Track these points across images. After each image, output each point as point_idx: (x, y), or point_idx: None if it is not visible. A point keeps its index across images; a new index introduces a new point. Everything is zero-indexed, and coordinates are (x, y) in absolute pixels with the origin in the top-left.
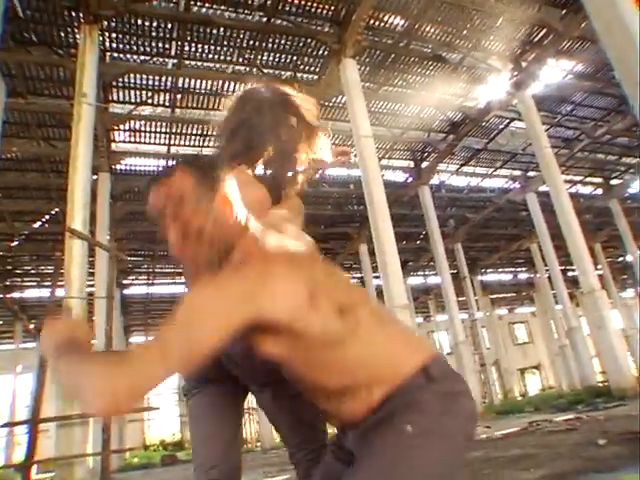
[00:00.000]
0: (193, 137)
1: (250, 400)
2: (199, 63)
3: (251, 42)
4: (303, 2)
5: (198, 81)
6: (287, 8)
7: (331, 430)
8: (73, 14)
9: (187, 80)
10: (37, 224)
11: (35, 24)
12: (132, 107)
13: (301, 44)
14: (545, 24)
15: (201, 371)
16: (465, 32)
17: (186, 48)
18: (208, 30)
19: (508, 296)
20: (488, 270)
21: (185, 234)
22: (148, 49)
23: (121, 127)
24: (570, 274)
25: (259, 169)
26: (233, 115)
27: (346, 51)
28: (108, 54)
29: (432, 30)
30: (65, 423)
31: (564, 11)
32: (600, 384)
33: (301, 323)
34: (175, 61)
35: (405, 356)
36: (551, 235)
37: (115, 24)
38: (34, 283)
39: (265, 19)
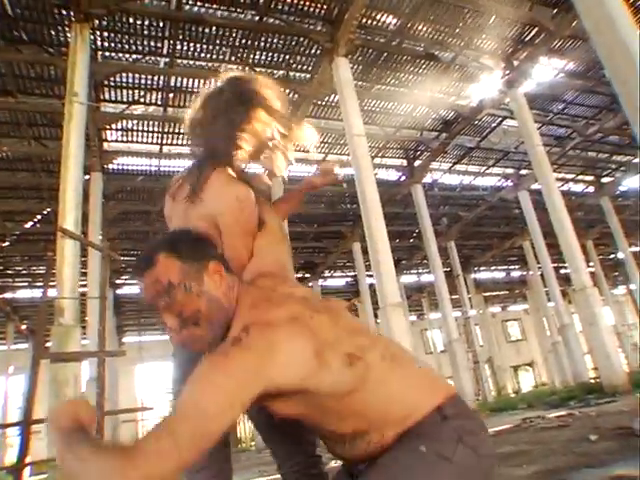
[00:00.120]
0: (185, 136)
1: None
2: (191, 62)
3: (243, 41)
4: (295, 1)
5: (190, 80)
6: (279, 7)
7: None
8: (64, 12)
9: (179, 79)
10: (29, 224)
11: (25, 22)
12: (124, 106)
13: (294, 43)
14: (537, 23)
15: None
16: (457, 31)
17: (178, 47)
18: (200, 29)
19: (501, 294)
20: (481, 268)
21: (182, 321)
22: (140, 48)
23: (113, 126)
24: (562, 271)
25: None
26: (195, 116)
27: (339, 50)
28: (100, 53)
29: (424, 29)
30: None
31: (555, 10)
32: (592, 380)
33: (310, 384)
34: (167, 60)
35: (419, 398)
36: (543, 233)
37: (106, 23)
38: (26, 284)
39: (257, 18)
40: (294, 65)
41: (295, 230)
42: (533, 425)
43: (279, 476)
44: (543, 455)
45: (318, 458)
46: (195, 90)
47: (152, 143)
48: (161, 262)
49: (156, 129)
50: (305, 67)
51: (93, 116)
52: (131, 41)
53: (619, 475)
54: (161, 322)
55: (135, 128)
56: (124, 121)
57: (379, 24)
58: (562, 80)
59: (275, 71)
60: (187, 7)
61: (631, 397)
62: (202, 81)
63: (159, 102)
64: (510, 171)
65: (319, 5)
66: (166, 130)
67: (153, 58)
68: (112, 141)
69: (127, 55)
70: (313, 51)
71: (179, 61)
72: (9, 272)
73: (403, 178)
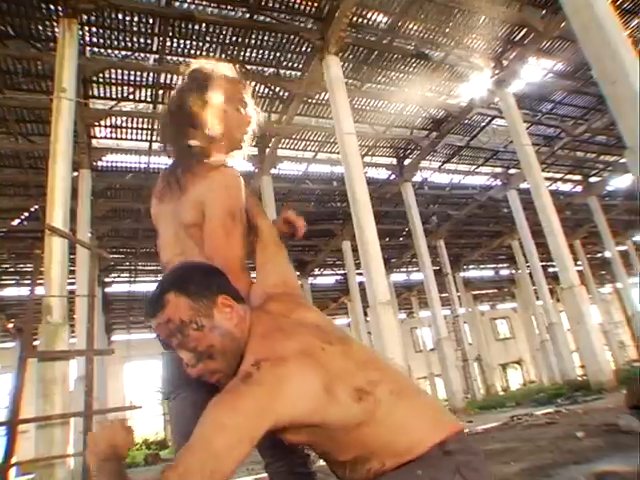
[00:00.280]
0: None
1: None
2: (181, 59)
3: (234, 38)
4: None
5: (180, 77)
6: (270, 4)
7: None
8: (51, 7)
9: (169, 76)
10: (16, 221)
11: (11, 16)
12: (113, 103)
13: (284, 41)
14: (526, 23)
15: (181, 375)
16: (448, 30)
17: (168, 44)
18: (190, 26)
19: (490, 292)
20: (470, 266)
21: (197, 356)
22: (129, 44)
23: (102, 123)
24: (550, 270)
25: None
26: (165, 115)
27: (329, 48)
28: (88, 49)
29: (415, 28)
30: (45, 424)
31: (544, 11)
32: (579, 378)
33: (319, 417)
34: (157, 57)
35: (423, 433)
36: (532, 232)
37: (95, 18)
38: (13, 281)
39: (248, 15)
40: (285, 63)
41: None
42: (521, 423)
43: (266, 475)
44: (530, 452)
45: (307, 457)
46: None
47: (141, 140)
48: (171, 302)
49: (145, 126)
50: (296, 65)
51: (82, 112)
52: (120, 37)
53: (604, 471)
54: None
55: (124, 125)
56: (113, 118)
57: (370, 22)
58: (551, 80)
59: (265, 69)
60: (177, 3)
61: (617, 394)
62: None
63: (148, 99)
64: (499, 170)
65: (310, 3)
66: (155, 127)
67: (142, 55)
68: (101, 138)
69: (116, 51)
70: (304, 49)
71: (169, 58)
72: None
73: (393, 177)
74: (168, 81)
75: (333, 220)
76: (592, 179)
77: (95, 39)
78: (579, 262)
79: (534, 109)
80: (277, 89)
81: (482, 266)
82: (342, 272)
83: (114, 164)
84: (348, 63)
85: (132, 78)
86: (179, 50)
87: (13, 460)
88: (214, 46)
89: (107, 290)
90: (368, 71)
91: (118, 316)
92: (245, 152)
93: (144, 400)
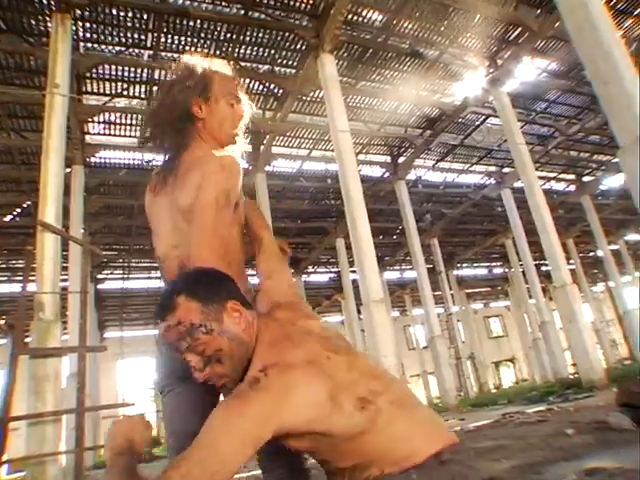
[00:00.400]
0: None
1: None
2: (176, 55)
3: (228, 35)
4: None
5: (174, 71)
6: (265, 1)
7: None
8: (44, 1)
9: (163, 72)
10: (8, 217)
11: (3, 10)
12: (107, 99)
13: (279, 38)
14: (521, 23)
15: (176, 369)
16: (442, 28)
17: (162, 40)
18: (185, 22)
19: (483, 290)
20: (464, 265)
21: (205, 360)
22: (123, 40)
23: (95, 119)
24: (543, 269)
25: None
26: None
27: (324, 46)
28: (82, 44)
29: (410, 26)
30: (37, 421)
31: (539, 10)
32: (571, 376)
33: (322, 425)
34: (151, 53)
35: (421, 443)
36: (525, 230)
37: (89, 13)
38: (5, 278)
39: (243, 12)
40: (279, 60)
41: (279, 226)
42: (513, 420)
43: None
44: (522, 449)
45: (304, 461)
46: None
47: (135, 137)
48: (182, 305)
49: (139, 122)
50: (290, 62)
51: (75, 108)
52: (114, 33)
53: (593, 468)
54: (186, 361)
55: (118, 121)
56: (107, 114)
57: (365, 20)
58: (545, 80)
59: (260, 66)
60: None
61: (608, 392)
62: None
63: (142, 95)
64: (493, 169)
65: (305, 0)
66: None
67: (137, 51)
68: (94, 134)
69: (110, 47)
70: (298, 46)
71: (163, 54)
72: None
73: (387, 175)
74: (162, 77)
75: (327, 218)
76: (585, 178)
77: (89, 34)
78: (572, 261)
79: (528, 108)
80: (272, 86)
81: (475, 264)
82: (336, 270)
83: (107, 160)
84: (343, 61)
85: (126, 74)
86: (174, 46)
87: (4, 458)
88: (209, 43)
89: (100, 287)
90: (363, 69)
91: (111, 313)
92: (240, 147)
93: (137, 397)
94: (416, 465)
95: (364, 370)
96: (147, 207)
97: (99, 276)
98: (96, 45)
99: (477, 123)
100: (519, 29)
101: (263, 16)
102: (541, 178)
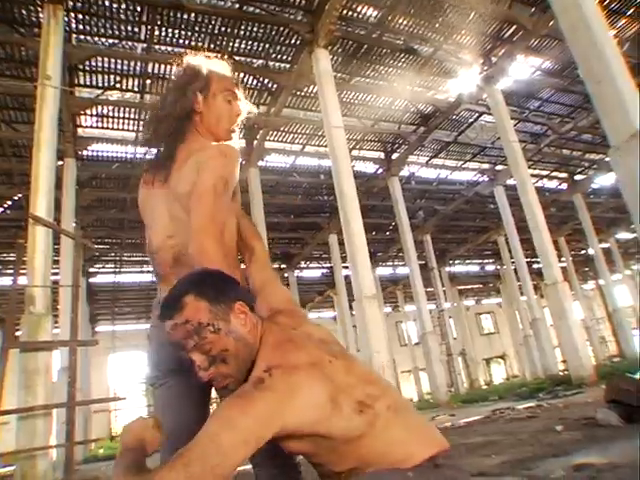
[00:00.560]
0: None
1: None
2: (169, 48)
3: (223, 29)
4: None
5: (168, 67)
6: None
7: None
8: None
9: (157, 65)
10: None
11: None
12: (99, 92)
13: (274, 32)
14: (515, 21)
15: (167, 362)
16: (437, 25)
17: (156, 32)
18: (179, 15)
19: (475, 287)
20: (456, 262)
21: (211, 360)
22: (117, 32)
23: (88, 112)
24: (535, 266)
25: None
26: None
27: (319, 41)
28: (74, 36)
29: (405, 22)
30: (27, 415)
31: (533, 9)
32: (561, 373)
33: (323, 427)
34: (145, 45)
35: (416, 447)
36: (517, 228)
37: (82, 4)
38: None
39: (237, 6)
40: (274, 55)
41: (272, 221)
42: (503, 416)
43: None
44: (511, 445)
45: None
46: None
47: (128, 130)
48: (190, 304)
49: (132, 116)
50: (285, 57)
51: (67, 101)
52: (107, 25)
53: (581, 463)
54: (191, 360)
55: (111, 114)
56: (99, 107)
57: (360, 16)
58: (538, 78)
59: (254, 60)
60: None
61: (597, 389)
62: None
63: (136, 88)
64: (486, 166)
65: None
66: (142, 117)
67: (130, 43)
68: (87, 127)
69: (103, 39)
70: (293, 41)
71: (157, 47)
72: None
73: (380, 171)
74: (156, 71)
75: (320, 213)
76: (577, 177)
77: (81, 26)
78: (563, 259)
79: (521, 106)
80: (266, 81)
81: (468, 261)
82: (328, 265)
83: (100, 153)
84: (337, 56)
85: (119, 67)
86: (167, 39)
87: None
88: (203, 36)
89: (92, 280)
90: (357, 65)
91: (103, 307)
92: (235, 143)
93: (128, 391)
94: (411, 468)
95: (361, 375)
96: (141, 200)
97: (91, 270)
98: (89, 37)
99: (471, 120)
100: (513, 27)
101: (258, 10)
102: (533, 176)
